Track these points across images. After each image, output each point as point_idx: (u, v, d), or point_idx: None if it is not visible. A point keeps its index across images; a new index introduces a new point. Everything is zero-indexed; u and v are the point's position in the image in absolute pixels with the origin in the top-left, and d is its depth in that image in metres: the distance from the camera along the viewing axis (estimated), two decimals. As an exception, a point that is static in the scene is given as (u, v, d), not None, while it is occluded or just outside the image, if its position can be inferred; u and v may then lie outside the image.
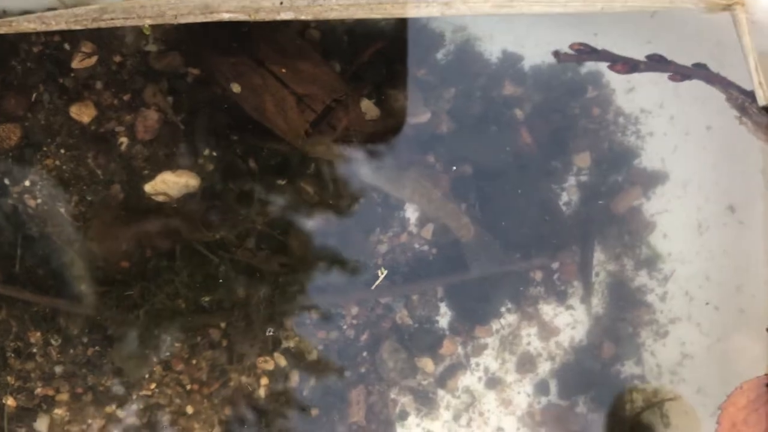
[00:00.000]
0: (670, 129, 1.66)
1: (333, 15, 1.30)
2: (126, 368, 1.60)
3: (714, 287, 1.67)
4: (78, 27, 1.30)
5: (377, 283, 1.62)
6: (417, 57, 1.60)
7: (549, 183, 1.67)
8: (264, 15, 1.29)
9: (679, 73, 1.34)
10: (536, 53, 1.62)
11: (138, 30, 1.52)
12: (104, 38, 1.53)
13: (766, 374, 1.44)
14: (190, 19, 1.30)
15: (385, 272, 1.60)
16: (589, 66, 1.63)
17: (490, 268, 1.62)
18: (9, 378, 1.58)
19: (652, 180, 1.68)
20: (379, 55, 1.56)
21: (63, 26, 1.30)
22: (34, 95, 1.53)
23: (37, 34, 1.50)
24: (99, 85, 1.54)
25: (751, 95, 1.33)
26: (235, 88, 1.43)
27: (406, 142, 1.61)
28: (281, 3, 1.29)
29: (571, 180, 1.68)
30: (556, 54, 1.46)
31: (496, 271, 1.64)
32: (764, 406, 1.42)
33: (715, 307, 1.67)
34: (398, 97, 1.60)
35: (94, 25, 1.30)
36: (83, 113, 1.54)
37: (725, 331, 1.67)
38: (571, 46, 1.43)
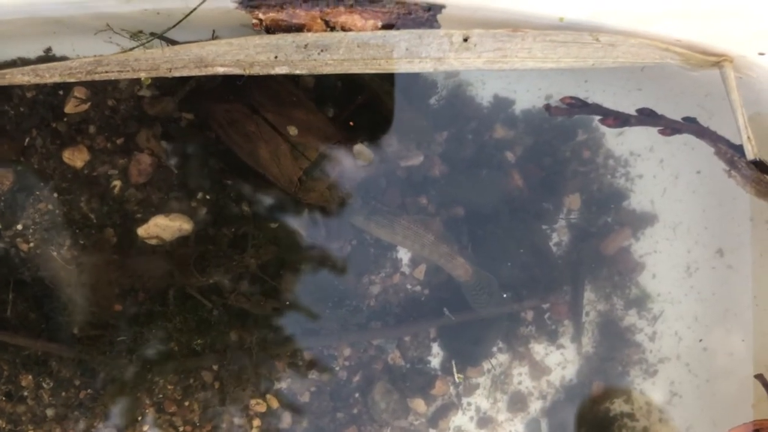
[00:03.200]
0: (659, 172, 1.68)
1: (327, 70, 1.30)
2: (118, 411, 1.60)
3: (702, 328, 1.69)
4: (72, 80, 1.30)
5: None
6: (410, 101, 1.61)
7: (540, 224, 1.69)
8: (259, 69, 1.30)
9: (669, 127, 1.36)
10: (527, 98, 1.63)
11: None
12: (97, 84, 1.52)
13: (753, 421, 1.46)
14: (185, 73, 1.30)
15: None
16: (580, 110, 1.64)
17: (493, 305, 1.63)
18: (0, 421, 1.58)
19: (641, 221, 1.69)
20: (373, 100, 1.57)
21: (57, 79, 1.30)
22: (27, 140, 1.52)
23: (31, 80, 1.50)
24: (92, 129, 1.54)
25: (739, 149, 1.34)
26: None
27: (399, 185, 1.62)
28: (276, 57, 1.29)
29: (562, 221, 1.69)
30: (548, 107, 1.47)
31: (496, 308, 1.65)
32: (752, 454, 1.44)
33: (704, 348, 1.69)
34: (391, 141, 1.61)
35: (89, 78, 1.30)
36: (76, 157, 1.54)
37: (714, 373, 1.69)
38: (562, 100, 1.44)
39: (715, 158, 1.53)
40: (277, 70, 1.30)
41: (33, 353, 1.56)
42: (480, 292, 1.59)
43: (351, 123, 1.55)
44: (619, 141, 1.68)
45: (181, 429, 1.63)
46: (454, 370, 1.67)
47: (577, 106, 1.38)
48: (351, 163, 1.54)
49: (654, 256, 1.70)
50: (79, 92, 1.52)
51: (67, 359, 1.57)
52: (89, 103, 1.52)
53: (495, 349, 1.71)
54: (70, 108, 1.52)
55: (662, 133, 1.37)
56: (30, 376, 1.57)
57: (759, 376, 1.48)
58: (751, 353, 1.62)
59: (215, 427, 1.63)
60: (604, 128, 1.66)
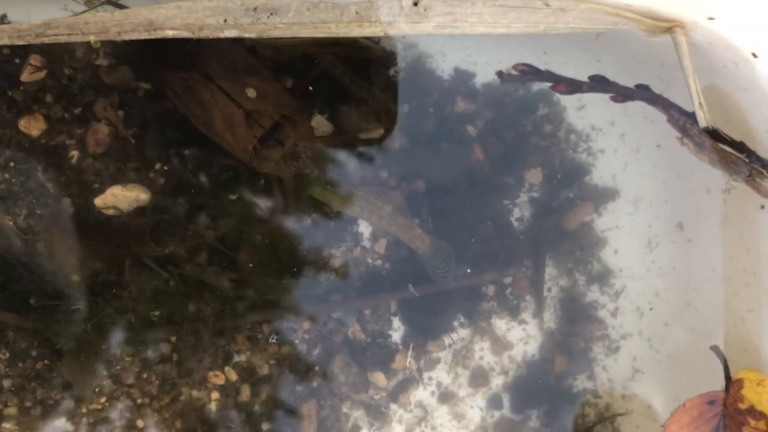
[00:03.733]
0: (620, 146, 1.67)
1: (277, 33, 1.30)
2: (76, 382, 1.59)
3: (664, 303, 1.68)
4: (21, 42, 1.29)
5: None
6: (368, 74, 1.60)
7: (501, 199, 1.68)
8: (208, 32, 1.29)
9: (621, 94, 1.35)
10: (488, 71, 1.63)
11: (88, 44, 1.52)
12: (54, 52, 1.52)
13: (707, 393, 1.45)
14: (134, 36, 1.30)
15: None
16: (541, 83, 1.64)
17: (451, 275, 1.62)
18: (-44, 392, 1.57)
19: (603, 196, 1.69)
20: (331, 73, 1.57)
21: (6, 41, 1.30)
22: (-18, 108, 1.52)
23: (-14, 47, 1.50)
24: (49, 98, 1.54)
25: (692, 117, 1.34)
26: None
27: (358, 158, 1.62)
28: (225, 21, 1.29)
29: (523, 196, 1.69)
30: (500, 74, 1.47)
31: (455, 280, 1.64)
32: (706, 424, 1.43)
33: (665, 324, 1.69)
34: (350, 113, 1.60)
35: (38, 41, 1.29)
36: (32, 126, 1.53)
37: (675, 347, 1.68)
38: (514, 67, 1.43)
39: (674, 131, 1.53)
40: (226, 33, 1.30)
41: (-11, 323, 1.56)
42: (438, 263, 1.59)
43: (310, 88, 1.54)
44: (580, 115, 1.67)
45: (139, 401, 1.62)
46: (410, 352, 1.66)
47: (530, 72, 1.38)
48: (308, 134, 1.53)
49: (616, 231, 1.69)
50: (35, 60, 1.51)
51: (24, 329, 1.56)
52: (45, 71, 1.51)
53: (456, 323, 1.70)
54: (26, 76, 1.51)
55: (614, 99, 1.36)
56: (-14, 347, 1.57)
57: (714, 348, 1.47)
58: (711, 326, 1.61)
59: (173, 399, 1.62)
60: (565, 102, 1.66)
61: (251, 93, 1.41)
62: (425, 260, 1.60)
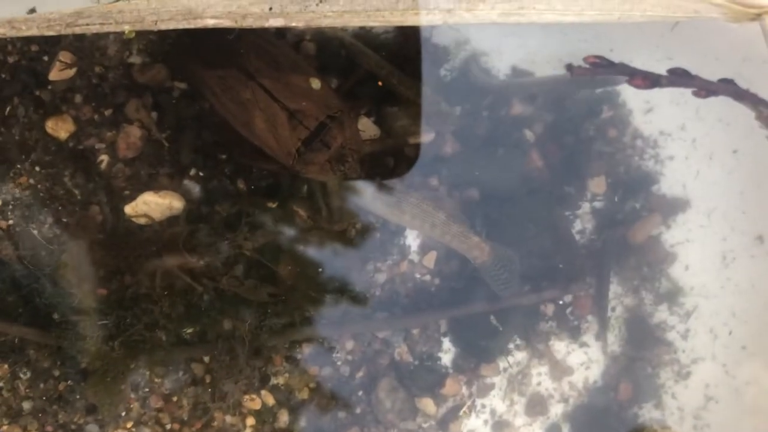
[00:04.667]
0: (692, 152, 1.55)
1: (327, 22, 1.19)
2: (100, 405, 1.47)
3: (741, 324, 1.55)
4: (51, 32, 1.20)
5: None
6: (419, 73, 1.50)
7: (561, 209, 1.56)
8: (252, 21, 1.19)
9: (705, 88, 1.23)
10: (547, 70, 1.51)
11: (121, 40, 1.43)
12: (85, 49, 1.43)
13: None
14: (172, 25, 1.20)
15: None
16: (604, 85, 1.52)
17: (515, 285, 1.49)
18: (-27, 415, 1.46)
19: (672, 207, 1.57)
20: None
21: (35, 31, 1.20)
22: (8, 108, 1.43)
23: (13, 43, 1.41)
24: (78, 98, 1.44)
25: (784, 113, 1.21)
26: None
27: (407, 163, 1.50)
28: (270, 9, 1.19)
29: (585, 206, 1.56)
30: (570, 68, 1.35)
31: (520, 289, 1.52)
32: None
33: (743, 347, 1.54)
34: (399, 116, 1.49)
35: (68, 31, 1.20)
36: (60, 128, 1.44)
37: (754, 373, 1.53)
38: (585, 59, 1.32)
39: (753, 135, 1.42)
40: (271, 22, 1.19)
41: (9, 340, 1.45)
42: (501, 272, 1.45)
43: (380, 83, 1.44)
44: (647, 119, 1.55)
45: (168, 427, 1.50)
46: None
47: (602, 65, 1.26)
48: (355, 136, 1.41)
49: (686, 246, 1.57)
50: (65, 56, 1.42)
51: (46, 347, 1.45)
52: (75, 69, 1.42)
53: (512, 345, 1.57)
54: (54, 74, 1.42)
55: (697, 95, 1.24)
56: (5, 365, 1.46)
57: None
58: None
59: (205, 425, 1.50)
60: (631, 105, 1.54)
61: (315, 83, 1.31)
62: (484, 271, 1.47)
